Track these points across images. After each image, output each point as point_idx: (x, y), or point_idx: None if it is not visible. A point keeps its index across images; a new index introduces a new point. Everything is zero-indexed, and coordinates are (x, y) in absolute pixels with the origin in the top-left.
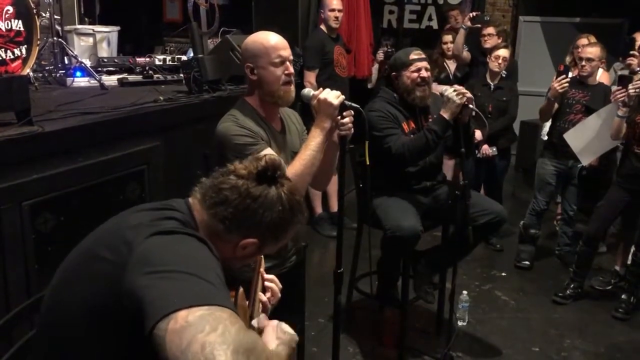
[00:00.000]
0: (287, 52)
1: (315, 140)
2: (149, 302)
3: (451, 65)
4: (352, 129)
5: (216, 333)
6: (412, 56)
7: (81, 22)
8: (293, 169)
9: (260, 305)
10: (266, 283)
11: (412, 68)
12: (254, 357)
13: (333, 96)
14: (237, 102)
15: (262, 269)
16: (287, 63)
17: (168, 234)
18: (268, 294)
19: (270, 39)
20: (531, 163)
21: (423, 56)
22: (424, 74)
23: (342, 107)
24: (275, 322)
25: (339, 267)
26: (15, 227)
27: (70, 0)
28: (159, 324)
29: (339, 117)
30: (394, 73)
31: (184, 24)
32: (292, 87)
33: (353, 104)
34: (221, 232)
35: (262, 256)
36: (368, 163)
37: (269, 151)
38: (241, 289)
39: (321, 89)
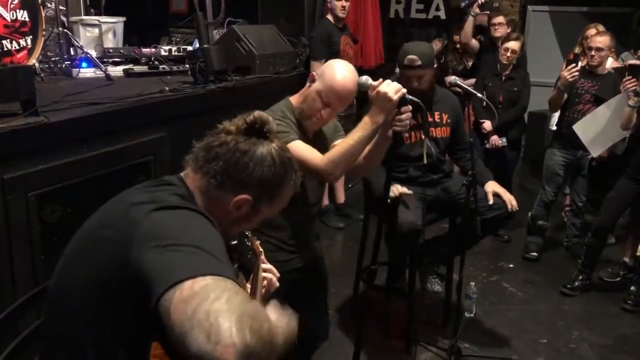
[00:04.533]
0: (341, 106)
1: (361, 132)
2: (155, 275)
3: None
4: (408, 126)
5: (220, 301)
6: (405, 61)
7: (87, 13)
8: (329, 154)
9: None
10: (263, 274)
11: (404, 73)
12: (257, 325)
13: (393, 91)
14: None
15: (262, 257)
16: (330, 109)
17: (172, 209)
18: (265, 282)
19: (341, 87)
20: (539, 154)
21: (417, 63)
22: (414, 85)
23: (402, 101)
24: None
25: (374, 262)
26: (21, 218)
27: None
28: (165, 294)
29: (396, 112)
30: (398, 63)
31: (189, 15)
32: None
33: (414, 99)
34: (213, 189)
35: (262, 250)
36: (425, 162)
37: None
38: (240, 276)
39: (381, 79)
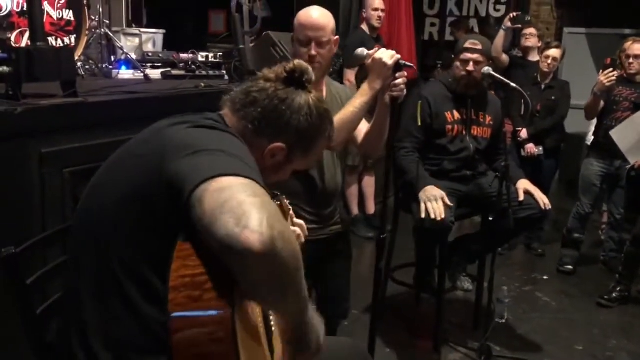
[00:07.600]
0: (314, 33)
1: (361, 99)
2: (190, 173)
3: None
4: (405, 91)
5: (255, 199)
6: (466, 44)
7: (128, 27)
8: None
9: None
10: (292, 227)
11: (461, 57)
12: (287, 234)
13: (388, 56)
14: None
15: (292, 214)
16: (313, 44)
17: (208, 128)
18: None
19: (302, 17)
20: (575, 174)
21: (478, 47)
22: (470, 67)
23: (397, 67)
24: None
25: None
26: (56, 193)
27: (119, 7)
28: (200, 185)
29: (392, 78)
30: (453, 56)
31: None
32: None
33: (408, 64)
34: (250, 134)
35: (290, 208)
36: (420, 124)
37: None
38: (283, 200)
39: (377, 48)
